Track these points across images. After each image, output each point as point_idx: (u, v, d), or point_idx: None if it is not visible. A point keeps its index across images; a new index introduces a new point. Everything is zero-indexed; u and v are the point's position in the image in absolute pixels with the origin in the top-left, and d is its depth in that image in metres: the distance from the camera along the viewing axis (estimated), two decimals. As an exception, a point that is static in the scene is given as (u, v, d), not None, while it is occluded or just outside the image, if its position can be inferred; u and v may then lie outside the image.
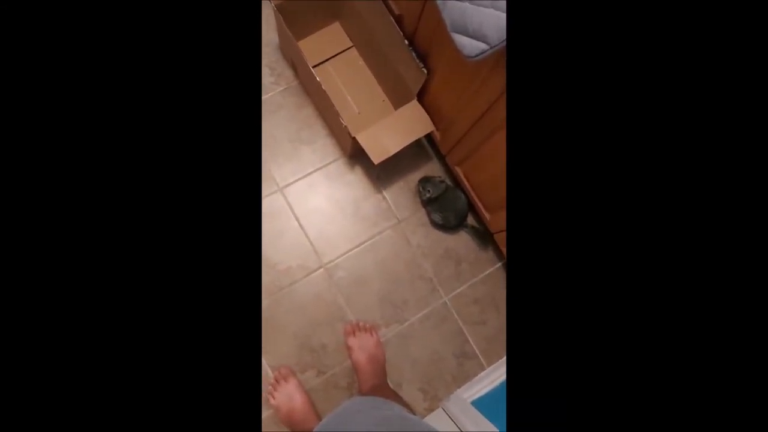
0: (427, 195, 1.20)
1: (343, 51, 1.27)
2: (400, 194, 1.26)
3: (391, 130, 1.09)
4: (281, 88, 1.26)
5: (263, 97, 1.25)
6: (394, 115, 1.10)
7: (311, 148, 1.25)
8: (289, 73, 1.28)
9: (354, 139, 1.06)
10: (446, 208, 1.20)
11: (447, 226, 1.23)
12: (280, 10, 1.06)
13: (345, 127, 1.06)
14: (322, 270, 1.19)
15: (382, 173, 1.26)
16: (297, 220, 1.21)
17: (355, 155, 1.24)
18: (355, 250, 1.22)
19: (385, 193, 1.26)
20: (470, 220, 1.26)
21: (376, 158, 1.07)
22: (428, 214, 1.24)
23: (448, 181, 1.22)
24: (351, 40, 1.27)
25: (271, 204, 1.20)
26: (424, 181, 1.22)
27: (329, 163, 1.25)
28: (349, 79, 1.26)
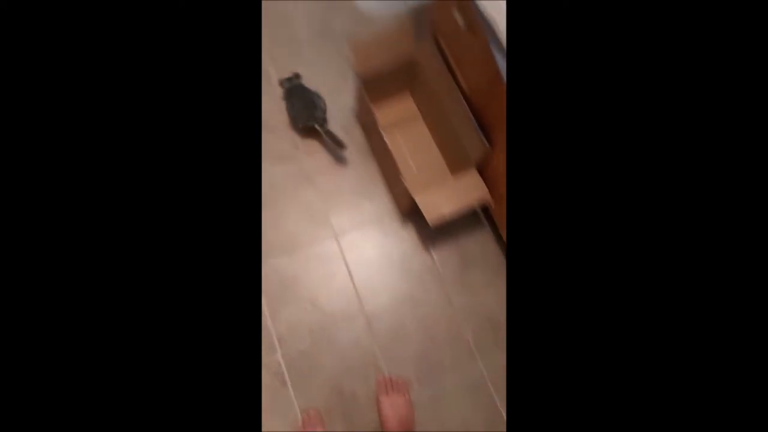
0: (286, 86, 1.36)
1: (410, 118, 1.39)
2: (448, 256, 1.30)
3: (449, 196, 1.16)
4: (352, 148, 1.39)
5: (336, 153, 1.38)
6: (453, 181, 1.18)
7: (370, 202, 1.34)
8: (359, 133, 1.41)
9: (412, 199, 1.14)
10: (301, 103, 1.32)
11: (299, 119, 1.32)
12: (364, 83, 1.20)
13: (405, 187, 1.14)
14: (363, 318, 1.23)
15: (433, 233, 1.32)
16: (347, 266, 1.27)
17: (410, 213, 1.31)
18: (398, 302, 1.25)
19: (433, 252, 1.31)
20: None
21: (433, 221, 1.13)
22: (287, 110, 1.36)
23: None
24: (419, 108, 1.39)
25: (325, 249, 1.28)
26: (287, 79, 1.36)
27: (384, 218, 1.33)
28: (412, 143, 1.36)
